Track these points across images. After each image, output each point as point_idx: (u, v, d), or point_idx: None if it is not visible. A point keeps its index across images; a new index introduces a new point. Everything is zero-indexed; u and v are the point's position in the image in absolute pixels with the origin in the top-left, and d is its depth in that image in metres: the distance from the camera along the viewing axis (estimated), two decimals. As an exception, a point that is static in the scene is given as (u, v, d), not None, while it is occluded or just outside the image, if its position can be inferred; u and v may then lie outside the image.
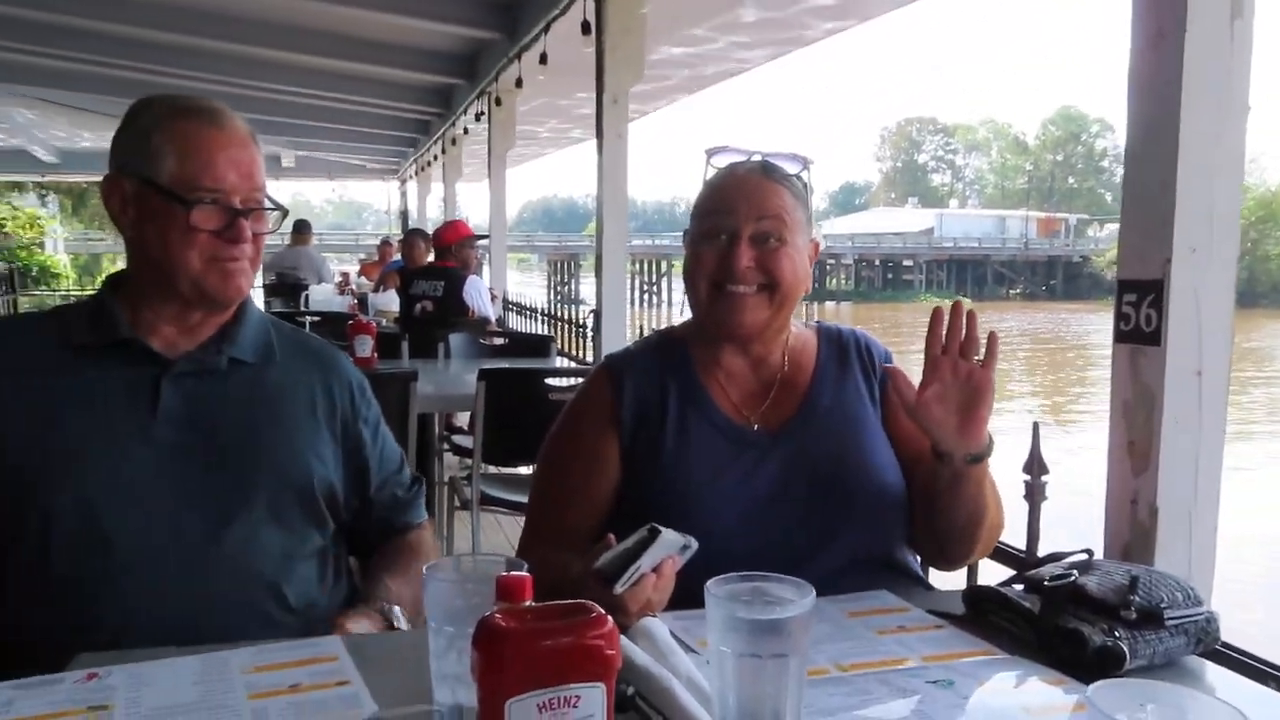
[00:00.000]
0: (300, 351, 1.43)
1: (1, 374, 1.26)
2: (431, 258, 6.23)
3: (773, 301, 1.37)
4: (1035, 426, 1.65)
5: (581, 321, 5.47)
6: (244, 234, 1.28)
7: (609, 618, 0.71)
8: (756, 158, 1.42)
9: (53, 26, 6.39)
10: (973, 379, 1.27)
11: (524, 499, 3.22)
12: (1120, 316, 1.49)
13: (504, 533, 4.41)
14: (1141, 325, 1.45)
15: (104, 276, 1.37)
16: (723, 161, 1.44)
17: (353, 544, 1.48)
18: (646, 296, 47.52)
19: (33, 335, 1.31)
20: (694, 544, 1.12)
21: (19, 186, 23.80)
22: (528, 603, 0.76)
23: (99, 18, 6.06)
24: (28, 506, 1.21)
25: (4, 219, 24.57)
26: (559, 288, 42.63)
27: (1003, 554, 1.72)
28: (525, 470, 3.85)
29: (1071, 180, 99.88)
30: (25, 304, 11.31)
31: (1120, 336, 1.49)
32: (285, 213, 1.37)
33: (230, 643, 1.09)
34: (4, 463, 1.22)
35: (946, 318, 1.29)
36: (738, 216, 1.36)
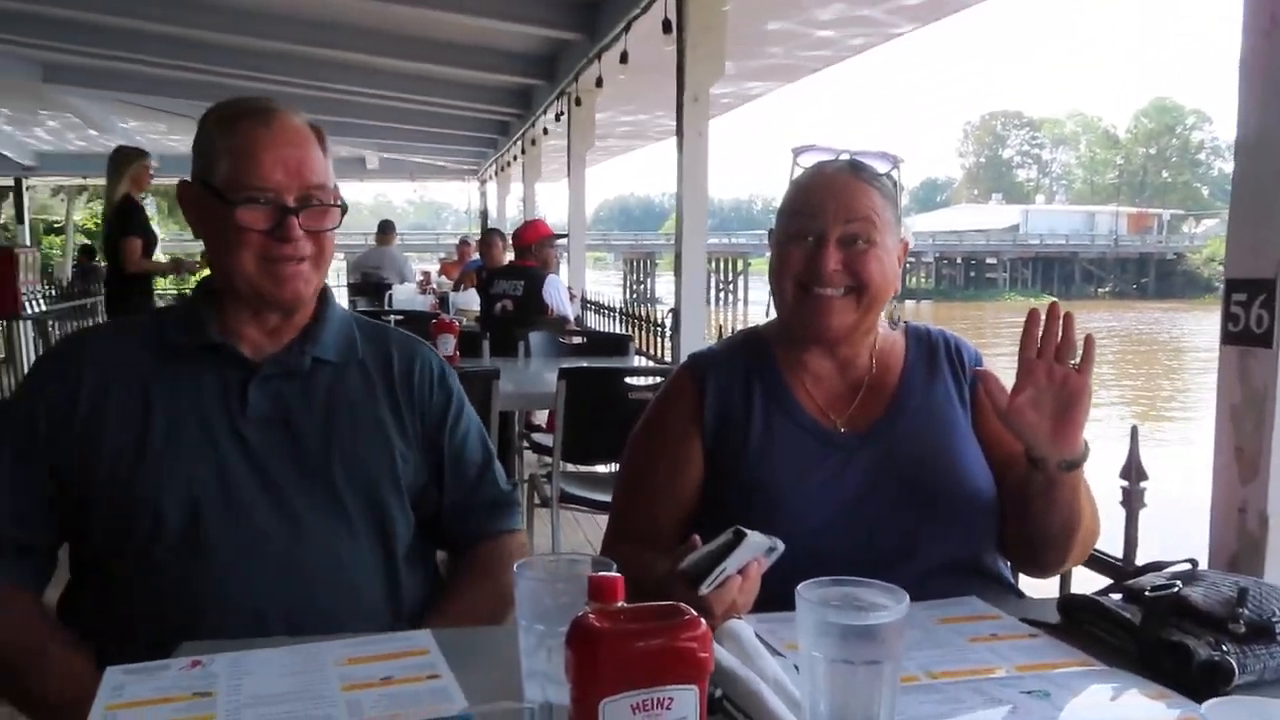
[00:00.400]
0: (381, 346, 1.43)
1: (106, 376, 1.29)
2: (510, 257, 6.30)
3: (860, 304, 1.35)
4: (1134, 430, 1.60)
5: (659, 321, 5.48)
6: (291, 232, 1.27)
7: (702, 620, 0.71)
8: (845, 156, 1.39)
9: (149, 34, 6.65)
10: (1068, 384, 1.23)
11: (603, 497, 3.25)
12: (1229, 317, 1.43)
13: (583, 531, 4.44)
14: (1251, 326, 1.39)
15: (197, 280, 1.39)
16: (810, 160, 1.41)
17: (440, 540, 1.48)
18: (723, 296, 47.34)
19: (133, 339, 1.34)
20: (780, 546, 1.11)
21: (120, 190, 24.79)
22: (620, 603, 0.76)
23: (194, 25, 6.28)
24: (133, 504, 1.25)
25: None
26: (635, 286, 42.79)
27: (1098, 562, 1.67)
28: (604, 469, 3.87)
29: (1165, 174, 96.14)
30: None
31: (1228, 338, 1.43)
32: (344, 209, 1.34)
33: (323, 634, 1.12)
34: (111, 461, 1.26)
35: (1042, 319, 1.25)
36: (825, 218, 1.33)
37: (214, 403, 1.30)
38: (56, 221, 23.78)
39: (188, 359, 1.31)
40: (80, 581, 1.34)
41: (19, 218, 14.67)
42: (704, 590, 1.06)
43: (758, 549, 1.09)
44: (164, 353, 1.31)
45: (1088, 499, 1.32)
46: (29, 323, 7.63)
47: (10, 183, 14.39)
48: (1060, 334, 1.23)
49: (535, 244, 5.66)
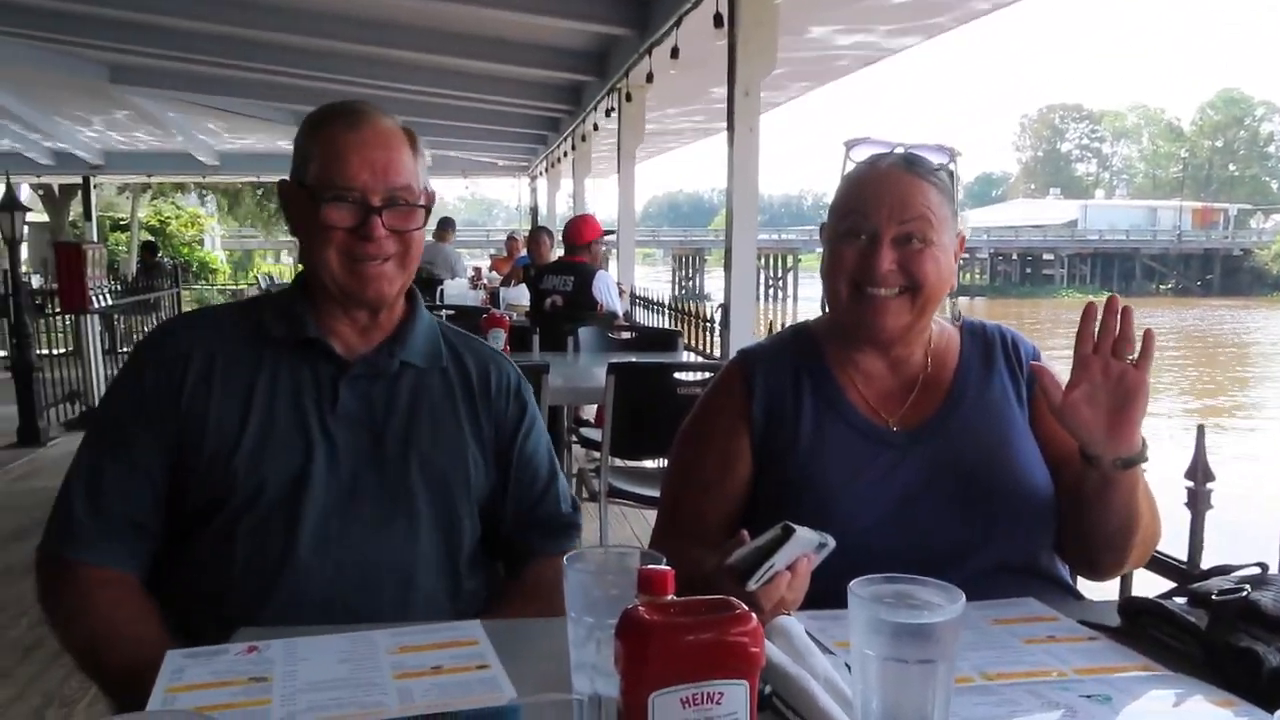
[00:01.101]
0: (464, 355, 1.46)
1: (211, 361, 1.33)
2: (558, 254, 6.32)
3: (915, 304, 1.32)
4: (1200, 430, 1.55)
5: (708, 316, 5.45)
6: (374, 230, 1.29)
7: (754, 615, 0.70)
8: (899, 150, 1.36)
9: (210, 35, 6.77)
10: (1125, 380, 1.19)
11: (650, 493, 3.25)
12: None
13: (630, 526, 4.45)
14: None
15: (296, 275, 1.43)
16: (863, 154, 1.38)
17: (499, 552, 1.48)
18: (772, 292, 47.08)
19: (233, 326, 1.38)
20: (831, 542, 1.10)
21: (181, 187, 25.47)
22: (670, 596, 0.76)
23: (253, 26, 6.39)
24: (224, 487, 1.28)
25: (169, 217, 26.41)
26: (683, 283, 42.70)
27: (1161, 565, 1.62)
28: (652, 464, 3.87)
29: (1232, 167, 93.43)
30: (187, 297, 12.12)
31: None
32: (428, 210, 1.37)
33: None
34: (210, 445, 1.29)
35: (1099, 314, 1.21)
36: (880, 216, 1.31)
37: (308, 397, 1.33)
38: (122, 219, 24.45)
39: (285, 350, 1.35)
40: (162, 552, 1.36)
41: (87, 215, 15.08)
42: (752, 586, 1.05)
43: (807, 545, 1.08)
44: (262, 343, 1.35)
45: (1146, 500, 1.28)
46: (96, 317, 7.85)
47: (79, 180, 14.79)
48: (1118, 328, 1.20)
49: (591, 242, 5.68)
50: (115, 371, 1.37)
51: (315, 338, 1.35)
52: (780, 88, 7.93)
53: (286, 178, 1.38)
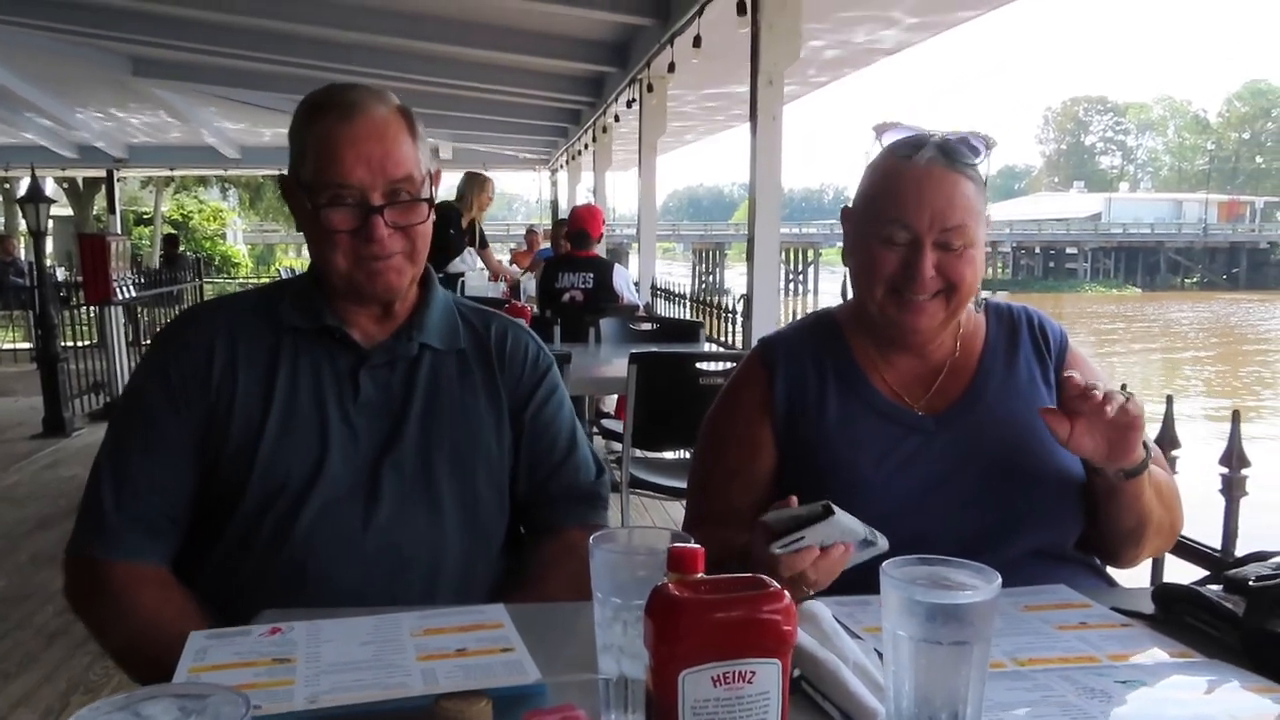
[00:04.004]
0: (481, 329, 1.43)
1: (235, 349, 1.32)
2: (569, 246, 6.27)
3: (950, 304, 1.30)
4: (1235, 415, 1.52)
5: (730, 308, 5.43)
6: (376, 232, 1.25)
7: (786, 593, 0.69)
8: (935, 137, 1.29)
9: (233, 28, 6.80)
10: (1118, 418, 1.17)
11: (672, 483, 3.24)
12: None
13: (651, 517, 4.44)
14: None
15: (310, 264, 1.39)
16: (892, 139, 1.32)
17: (525, 524, 1.46)
18: (793, 286, 46.93)
19: (253, 315, 1.36)
20: (881, 543, 1.09)
21: (204, 181, 25.65)
22: (700, 575, 0.74)
23: (276, 17, 6.41)
24: (248, 477, 1.27)
25: (192, 211, 26.63)
26: (704, 277, 42.59)
27: (1194, 552, 1.59)
28: (673, 455, 3.86)
29: (1260, 160, 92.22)
30: (209, 290, 12.18)
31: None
32: (432, 204, 1.31)
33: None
34: (236, 433, 1.28)
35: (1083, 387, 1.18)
36: (923, 223, 1.26)
37: (328, 387, 1.31)
38: (146, 213, 24.65)
39: (304, 339, 1.33)
40: (189, 541, 1.35)
41: (110, 208, 15.21)
42: (775, 549, 1.05)
43: (846, 533, 1.07)
44: (281, 331, 1.33)
45: (1163, 494, 1.28)
46: (119, 308, 7.91)
47: (102, 174, 14.91)
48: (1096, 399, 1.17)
49: (600, 236, 5.67)
50: (138, 363, 1.33)
51: (334, 326, 1.33)
52: (802, 79, 7.87)
53: (286, 172, 1.33)
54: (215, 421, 1.29)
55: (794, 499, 1.10)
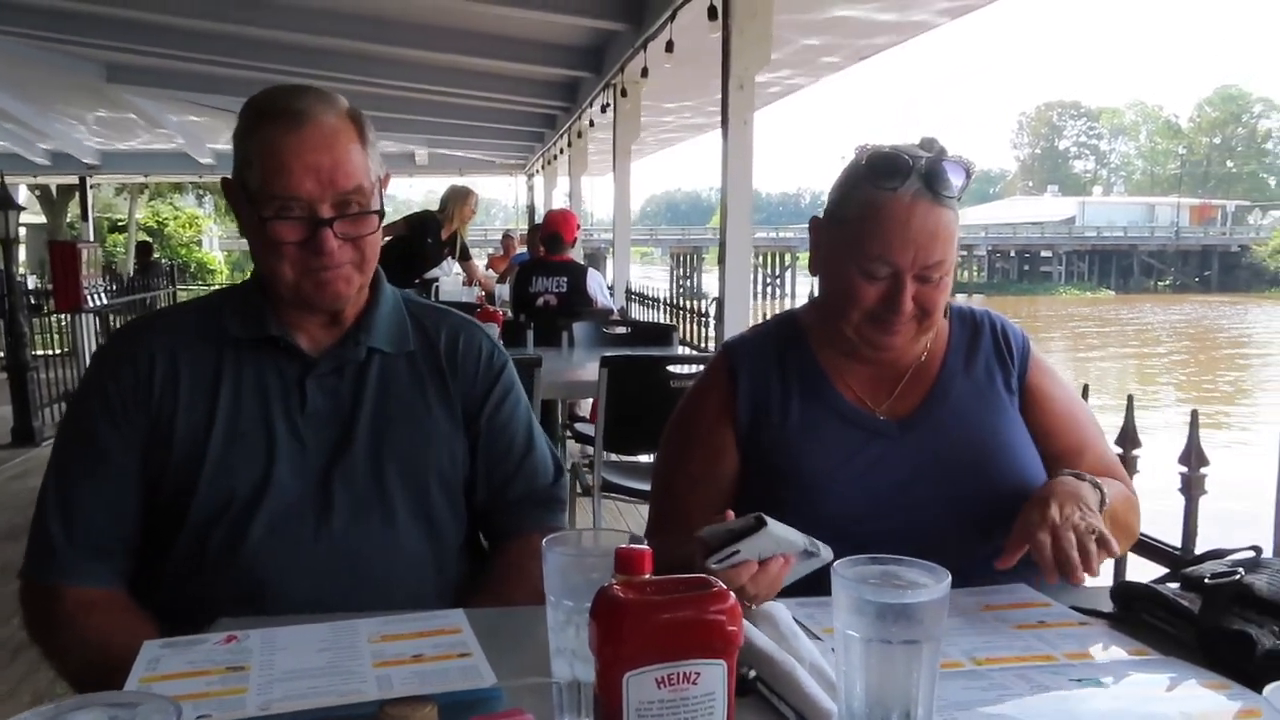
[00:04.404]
0: (430, 330, 1.39)
1: (175, 363, 1.28)
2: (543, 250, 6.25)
3: (922, 326, 1.31)
4: (1194, 415, 1.53)
5: (704, 311, 5.43)
6: (325, 244, 1.21)
7: (731, 593, 0.68)
8: (920, 163, 1.25)
9: (207, 33, 6.75)
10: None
11: (645, 486, 3.23)
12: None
13: (624, 520, 4.43)
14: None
15: (253, 272, 1.36)
16: (879, 165, 1.26)
17: (483, 530, 1.44)
18: (769, 290, 47.06)
19: (194, 326, 1.33)
20: (824, 554, 1.07)
21: (179, 188, 25.44)
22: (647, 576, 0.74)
23: (250, 23, 6.37)
24: (193, 493, 1.24)
25: (168, 218, 26.40)
26: (681, 281, 42.63)
27: (1154, 550, 1.61)
28: (646, 458, 3.85)
29: (1230, 164, 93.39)
30: (184, 297, 12.07)
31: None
32: (382, 215, 1.28)
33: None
34: (179, 450, 1.25)
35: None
36: (905, 260, 1.25)
37: (274, 397, 1.29)
38: (120, 220, 24.41)
39: (248, 350, 1.30)
40: (143, 557, 1.32)
41: (84, 215, 15.06)
42: (710, 564, 1.03)
43: (783, 544, 1.05)
44: (224, 342, 1.30)
45: (1112, 521, 1.25)
46: (93, 317, 7.83)
47: (75, 181, 14.77)
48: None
49: (574, 240, 5.66)
50: (78, 384, 1.28)
51: (278, 335, 1.29)
52: (775, 83, 7.91)
53: (229, 175, 1.29)
54: (158, 437, 1.26)
55: (730, 513, 1.09)
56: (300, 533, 1.26)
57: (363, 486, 1.29)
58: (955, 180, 1.26)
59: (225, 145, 12.62)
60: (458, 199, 6.45)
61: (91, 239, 13.61)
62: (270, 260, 1.25)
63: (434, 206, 6.61)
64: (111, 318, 8.58)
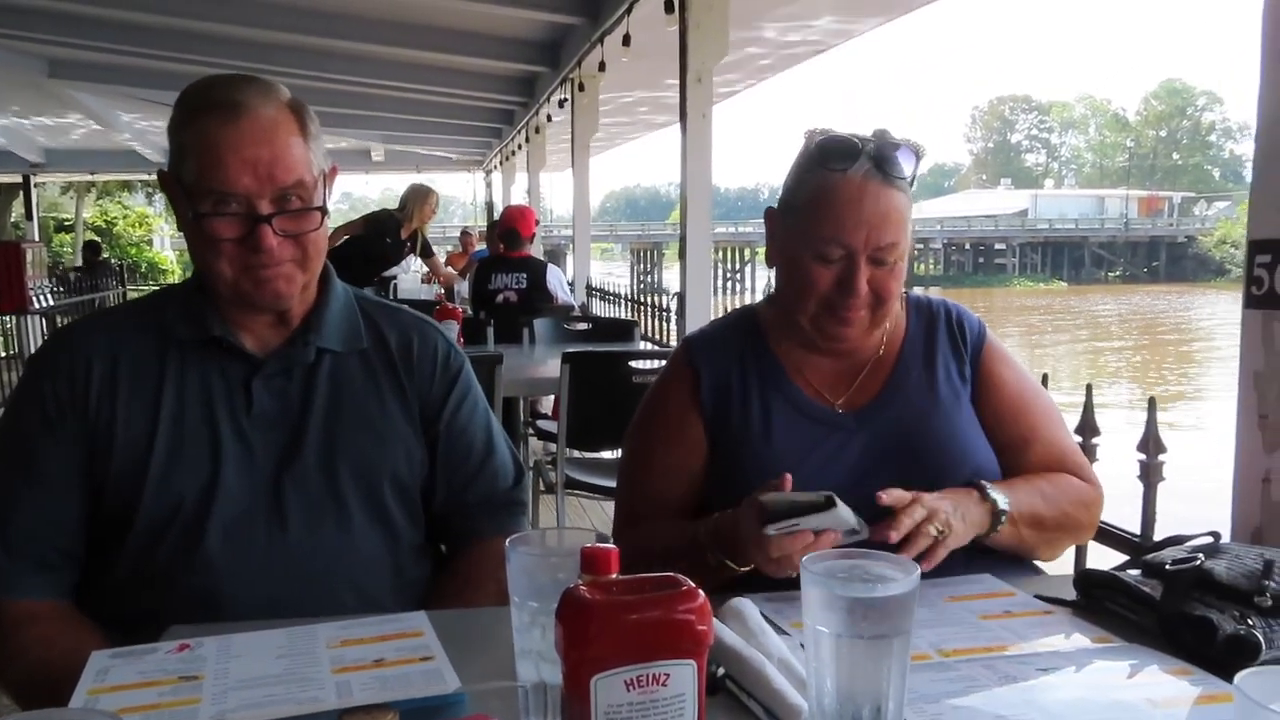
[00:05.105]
0: (384, 329, 1.35)
1: (114, 367, 1.24)
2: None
3: (876, 315, 1.31)
4: (1152, 402, 1.55)
5: (666, 306, 5.43)
6: (264, 241, 1.17)
7: (700, 592, 0.67)
8: (869, 145, 1.27)
9: (153, 28, 6.63)
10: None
11: (608, 483, 3.22)
12: (1251, 280, 1.38)
13: (588, 517, 4.41)
14: (1276, 289, 1.34)
15: (194, 270, 1.30)
16: (830, 148, 1.28)
17: (440, 534, 1.40)
18: (730, 284, 47.25)
19: (135, 328, 1.28)
20: (864, 533, 1.11)
21: (128, 186, 24.92)
22: (614, 575, 0.72)
23: (197, 17, 6.25)
24: (137, 500, 1.20)
25: (116, 217, 25.86)
26: (642, 277, 42.65)
27: (1115, 538, 1.63)
28: (609, 455, 3.84)
29: (1176, 156, 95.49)
30: (135, 297, 11.85)
31: (1251, 302, 1.37)
32: (325, 211, 1.24)
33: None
34: (121, 454, 1.21)
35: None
36: (858, 241, 1.25)
37: (219, 400, 1.24)
38: (67, 220, 23.87)
39: (191, 351, 1.25)
40: (89, 568, 1.28)
41: (28, 214, 14.69)
42: (770, 531, 1.07)
43: (839, 524, 1.10)
44: (167, 344, 1.25)
45: (1037, 528, 1.29)
46: (39, 318, 7.64)
47: (19, 180, 14.40)
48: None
49: (532, 236, 5.63)
50: (13, 390, 1.22)
51: (221, 336, 1.25)
52: (732, 76, 7.93)
53: (165, 168, 1.24)
54: (98, 444, 1.21)
55: (789, 477, 1.14)
56: (253, 537, 1.22)
57: (315, 489, 1.25)
58: (905, 163, 1.27)
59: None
60: (418, 198, 6.39)
61: (36, 239, 13.29)
62: (208, 258, 1.20)
63: (391, 204, 6.53)
64: (58, 319, 8.39)
